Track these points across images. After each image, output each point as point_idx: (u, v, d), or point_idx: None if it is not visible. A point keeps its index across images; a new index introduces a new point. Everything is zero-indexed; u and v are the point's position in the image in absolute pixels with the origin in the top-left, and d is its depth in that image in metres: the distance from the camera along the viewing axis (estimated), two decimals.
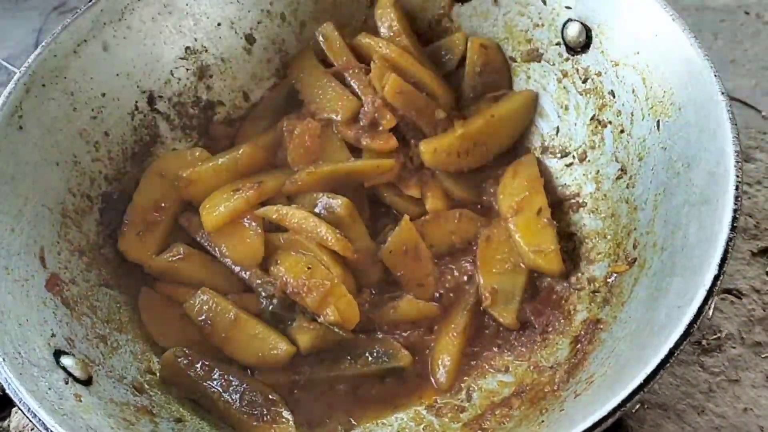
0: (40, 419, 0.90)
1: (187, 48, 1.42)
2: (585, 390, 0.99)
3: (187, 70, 1.43)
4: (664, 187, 1.12)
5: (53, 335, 1.07)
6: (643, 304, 1.04)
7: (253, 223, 1.28)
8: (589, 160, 1.31)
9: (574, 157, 1.34)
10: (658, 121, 1.15)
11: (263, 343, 1.20)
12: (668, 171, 1.12)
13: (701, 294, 0.88)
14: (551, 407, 1.04)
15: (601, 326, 1.12)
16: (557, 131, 1.38)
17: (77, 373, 1.03)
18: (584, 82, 1.32)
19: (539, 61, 1.38)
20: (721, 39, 1.74)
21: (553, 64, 1.37)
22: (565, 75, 1.35)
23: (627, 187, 1.22)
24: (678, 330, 0.86)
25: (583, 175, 1.32)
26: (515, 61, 1.42)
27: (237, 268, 1.28)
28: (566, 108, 1.36)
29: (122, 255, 1.28)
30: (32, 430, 1.23)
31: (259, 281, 1.26)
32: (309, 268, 1.22)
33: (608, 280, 1.18)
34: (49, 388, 0.96)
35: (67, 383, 1.00)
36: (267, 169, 1.39)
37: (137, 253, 1.28)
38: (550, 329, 1.21)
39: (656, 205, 1.13)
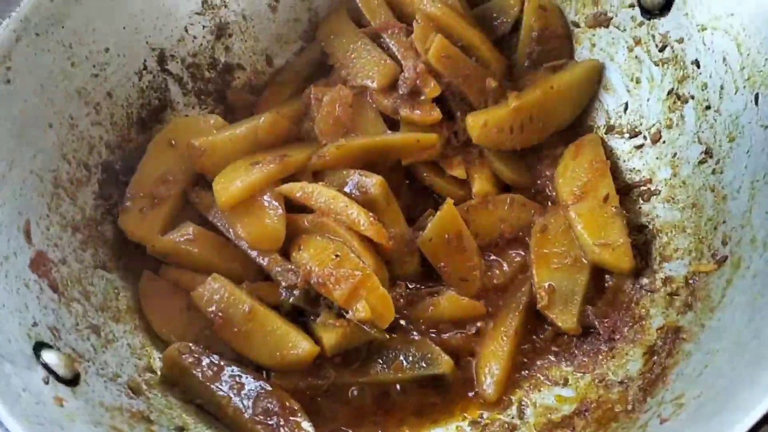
0: (6, 430, 0.74)
1: (204, 2, 1.29)
2: (675, 414, 0.86)
3: (204, 27, 1.30)
4: (765, 172, 0.98)
5: (35, 324, 0.96)
6: (743, 310, 0.91)
7: (274, 202, 1.16)
8: (664, 141, 1.18)
9: (645, 137, 1.21)
10: (757, 95, 1.02)
11: (282, 340, 1.08)
12: None
13: None
14: None
15: (684, 335, 1.00)
16: (626, 108, 1.24)
17: (61, 371, 0.92)
18: (661, 50, 1.17)
19: (607, 27, 1.25)
20: None
21: (624, 30, 1.22)
22: (637, 42, 1.21)
23: (713, 173, 1.09)
24: None
25: (657, 158, 1.19)
26: (578, 27, 1.28)
27: (254, 253, 1.16)
28: (638, 81, 1.22)
29: (122, 233, 1.18)
30: None
31: (278, 269, 1.13)
32: (337, 255, 1.09)
33: (690, 281, 1.06)
34: (24, 389, 0.85)
35: (47, 383, 0.89)
36: (291, 141, 1.25)
37: (140, 231, 1.18)
38: (618, 337, 1.10)
39: (753, 194, 0.99)
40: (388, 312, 1.07)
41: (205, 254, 1.16)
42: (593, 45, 1.26)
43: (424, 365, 1.08)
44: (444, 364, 1.08)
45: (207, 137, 1.21)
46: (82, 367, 0.96)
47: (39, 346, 0.92)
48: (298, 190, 1.14)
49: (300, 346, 1.06)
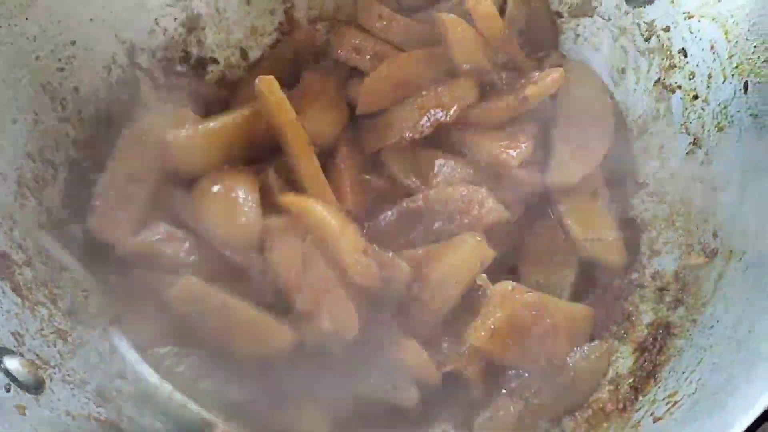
0: None
1: None
2: (668, 413, 0.83)
3: (176, 19, 1.26)
4: (755, 163, 0.95)
5: None
6: (736, 304, 0.88)
7: (249, 196, 1.11)
8: (650, 133, 1.15)
9: (631, 129, 1.18)
10: (746, 83, 0.99)
11: (260, 329, 1.04)
12: (761, 142, 0.95)
13: None
14: None
15: (675, 331, 0.97)
16: (610, 99, 1.20)
17: (23, 378, 0.87)
18: (647, 39, 1.15)
19: (591, 16, 1.22)
20: None
21: (609, 19, 1.20)
22: (623, 32, 1.18)
23: (702, 164, 1.06)
24: None
25: (644, 150, 1.16)
26: (561, 17, 1.25)
27: (228, 252, 1.10)
28: (622, 71, 1.19)
29: (91, 234, 1.13)
30: None
31: (251, 265, 1.08)
32: (303, 260, 1.03)
33: (680, 275, 1.03)
34: None
35: (8, 391, 0.84)
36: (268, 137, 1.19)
37: (109, 232, 1.12)
38: (607, 334, 1.06)
39: (744, 185, 0.97)
40: (351, 325, 1.01)
41: (177, 254, 1.10)
42: (577, 35, 1.23)
43: (390, 390, 1.02)
44: (410, 396, 1.01)
45: (179, 133, 1.15)
46: (47, 374, 0.90)
47: (0, 353, 0.87)
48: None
49: (280, 332, 1.02)
